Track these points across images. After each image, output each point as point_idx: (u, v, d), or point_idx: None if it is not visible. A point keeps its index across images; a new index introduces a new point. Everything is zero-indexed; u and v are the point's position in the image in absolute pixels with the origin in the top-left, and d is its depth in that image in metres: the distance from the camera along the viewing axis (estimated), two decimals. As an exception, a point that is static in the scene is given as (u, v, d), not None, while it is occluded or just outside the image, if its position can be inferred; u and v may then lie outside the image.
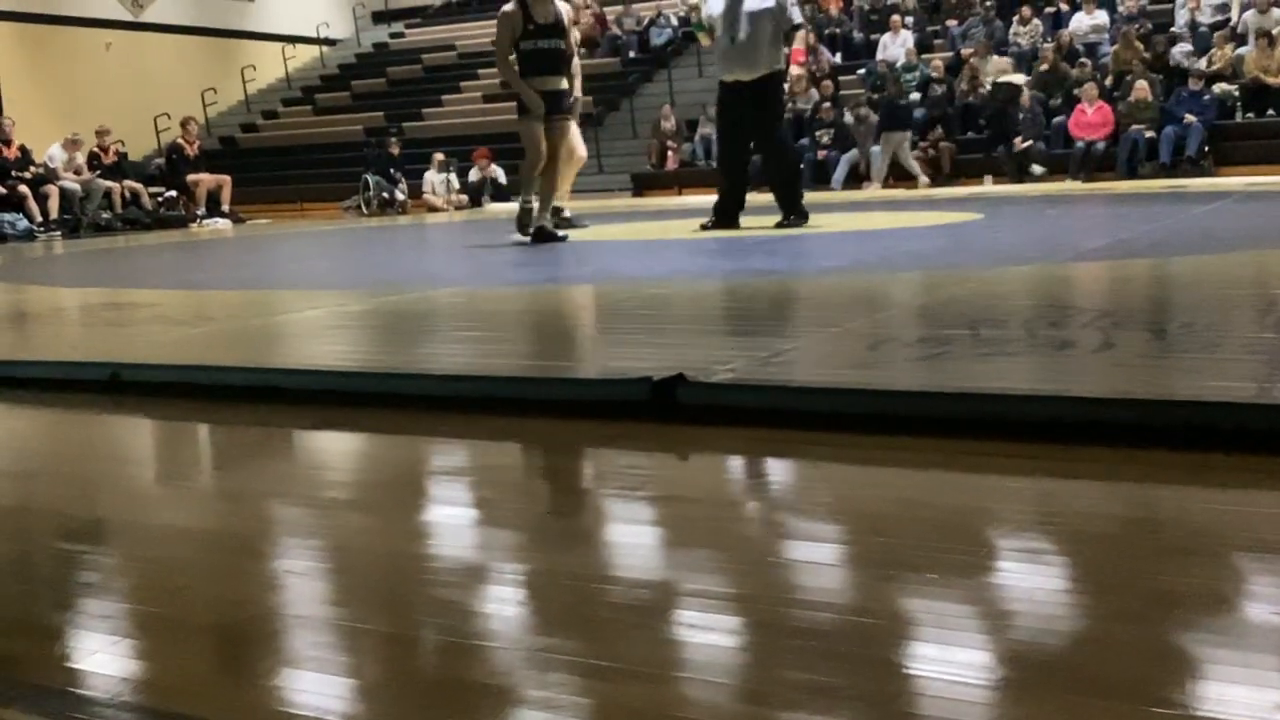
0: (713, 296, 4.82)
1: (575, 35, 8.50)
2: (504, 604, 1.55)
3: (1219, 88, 13.95)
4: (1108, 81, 14.50)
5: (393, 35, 23.52)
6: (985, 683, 1.23)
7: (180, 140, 17.10)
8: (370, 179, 16.61)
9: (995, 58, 15.54)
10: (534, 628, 1.47)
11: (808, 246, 6.87)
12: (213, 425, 2.90)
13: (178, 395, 3.06)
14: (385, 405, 2.81)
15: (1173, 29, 15.50)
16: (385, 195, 16.56)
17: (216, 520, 2.04)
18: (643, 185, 16.09)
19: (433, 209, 16.32)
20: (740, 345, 3.27)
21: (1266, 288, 4.39)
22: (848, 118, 15.28)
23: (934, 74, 15.57)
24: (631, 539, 1.85)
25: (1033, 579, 1.53)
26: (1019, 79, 14.92)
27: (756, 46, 7.87)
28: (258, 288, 6.16)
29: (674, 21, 19.16)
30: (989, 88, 14.98)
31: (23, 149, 15.29)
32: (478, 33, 21.61)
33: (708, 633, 1.40)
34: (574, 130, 8.92)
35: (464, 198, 16.50)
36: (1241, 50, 14.23)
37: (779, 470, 2.23)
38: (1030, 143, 14.15)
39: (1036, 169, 14.14)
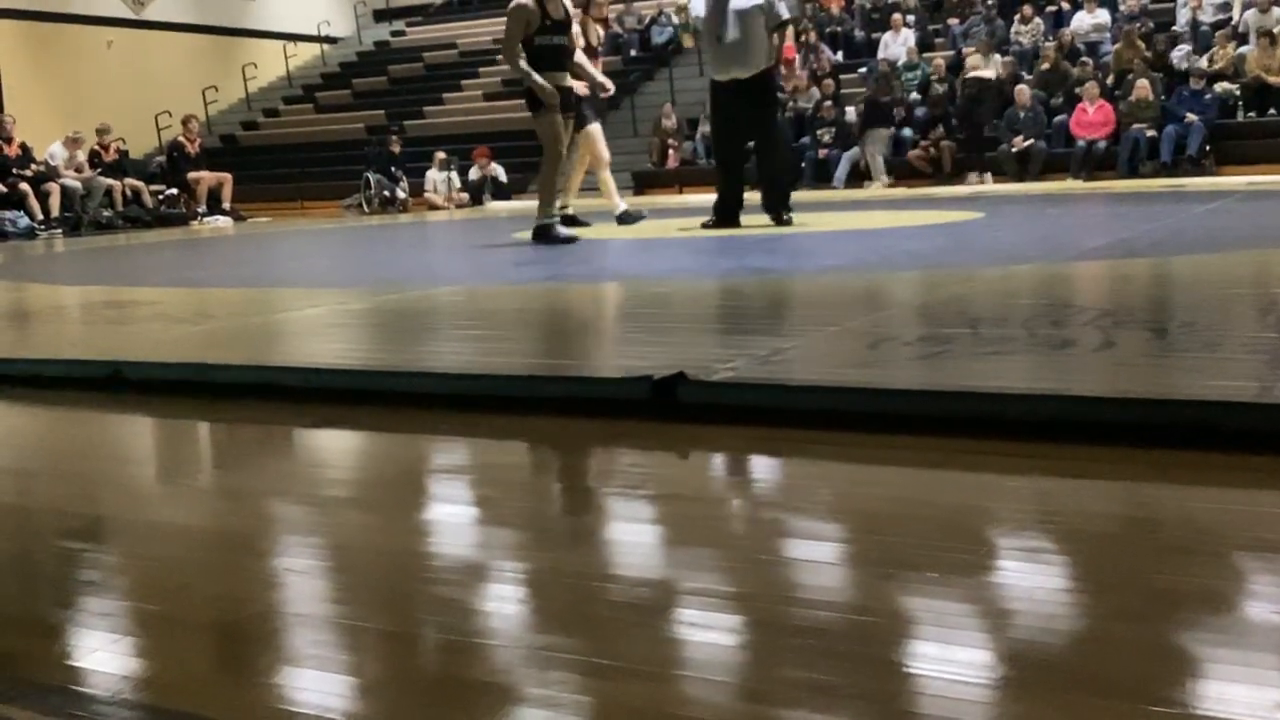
0: (713, 295, 4.82)
1: (598, 31, 8.56)
2: (504, 602, 1.55)
3: (1220, 87, 13.94)
4: (1109, 80, 14.49)
5: (394, 33, 23.51)
6: (985, 681, 1.23)
7: (181, 138, 17.10)
8: (371, 177, 16.61)
9: (967, 53, 15.59)
10: (534, 626, 1.47)
11: (808, 245, 6.87)
12: (213, 423, 2.90)
13: (179, 393, 3.06)
14: (386, 403, 2.81)
15: (1174, 28, 15.49)
16: (386, 193, 16.55)
17: (217, 518, 2.04)
18: (644, 184, 16.08)
19: (433, 207, 16.31)
20: (741, 344, 3.27)
21: (1267, 287, 4.39)
22: (850, 116, 15.29)
23: (935, 74, 15.56)
24: (632, 537, 1.85)
25: (1033, 578, 1.54)
26: (989, 74, 14.98)
27: (750, 44, 7.87)
28: (258, 286, 6.16)
29: (675, 20, 19.14)
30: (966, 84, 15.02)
31: (24, 146, 15.28)
32: (479, 31, 21.61)
33: (708, 631, 1.40)
34: (597, 131, 8.95)
35: (465, 196, 16.49)
36: (1243, 49, 14.22)
37: (779, 469, 2.23)
38: (1030, 142, 14.15)
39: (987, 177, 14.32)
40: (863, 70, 16.62)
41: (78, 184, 15.37)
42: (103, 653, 1.41)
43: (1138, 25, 15.23)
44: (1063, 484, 1.95)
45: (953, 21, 17.18)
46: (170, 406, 3.01)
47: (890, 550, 1.64)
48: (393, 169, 16.80)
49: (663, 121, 16.34)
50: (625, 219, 8.89)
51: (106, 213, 15.46)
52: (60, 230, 14.60)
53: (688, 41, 8.56)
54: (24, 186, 14.68)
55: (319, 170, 18.14)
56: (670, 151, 16.16)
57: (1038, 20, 16.43)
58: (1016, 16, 16.54)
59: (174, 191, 16.63)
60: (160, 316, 4.70)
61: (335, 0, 23.90)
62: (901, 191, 13.71)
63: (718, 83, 8.12)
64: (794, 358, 3.03)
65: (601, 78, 8.99)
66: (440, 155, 16.67)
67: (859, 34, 17.78)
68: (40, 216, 14.66)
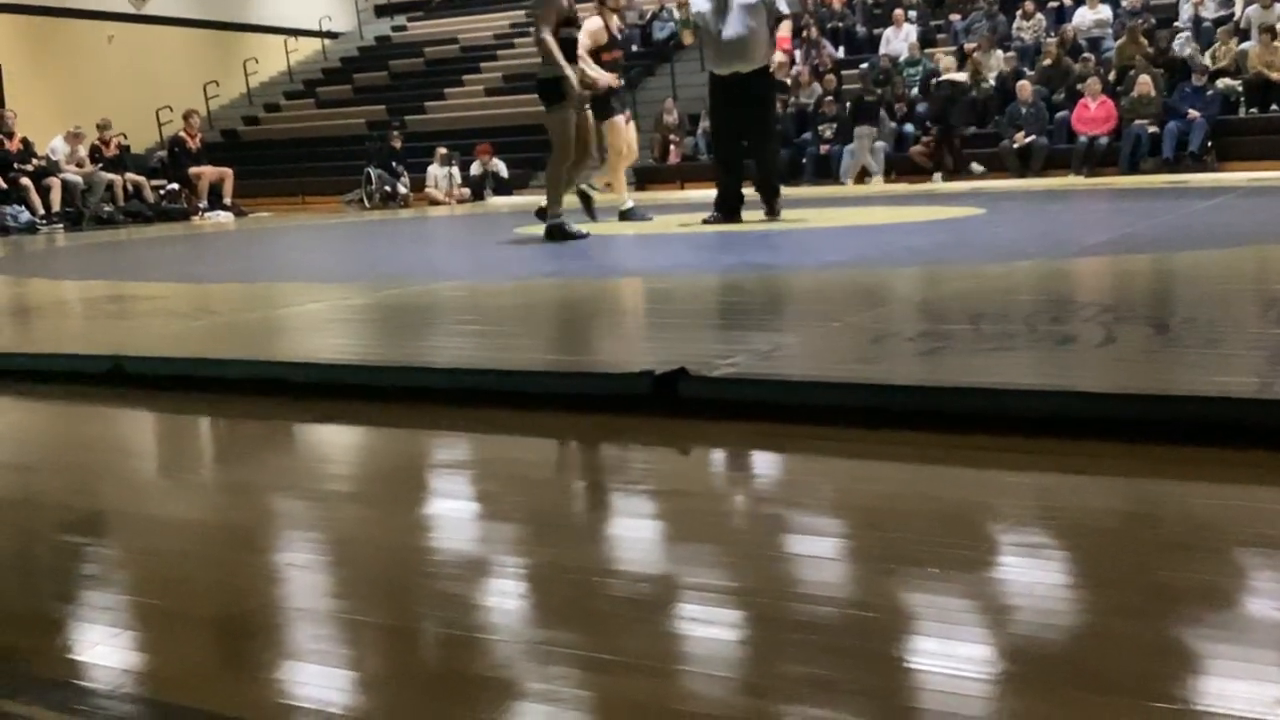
0: (715, 290, 4.82)
1: (617, 21, 8.66)
2: (505, 597, 1.56)
3: (1222, 83, 13.92)
4: (1111, 76, 14.48)
5: (395, 28, 23.50)
6: (985, 677, 1.23)
7: (182, 133, 17.09)
8: (372, 172, 16.61)
9: (941, 56, 15.61)
10: (535, 621, 1.47)
11: (809, 241, 6.87)
12: (214, 418, 2.90)
13: (179, 388, 3.06)
14: (387, 399, 2.81)
15: (1176, 24, 15.47)
16: (387, 189, 16.55)
17: (218, 513, 2.04)
18: (645, 179, 16.07)
19: (434, 202, 16.31)
20: (742, 339, 3.27)
21: (1268, 283, 4.39)
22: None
23: (939, 69, 15.56)
24: (633, 533, 1.85)
25: (1033, 574, 1.54)
26: (960, 76, 15.06)
27: (752, 38, 7.87)
28: (259, 281, 6.16)
29: (676, 16, 19.11)
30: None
31: (25, 141, 15.28)
32: (480, 26, 21.60)
33: (709, 626, 1.40)
34: (620, 123, 8.98)
35: (466, 191, 16.49)
36: (1245, 45, 14.21)
37: (780, 464, 2.23)
38: (1032, 138, 14.14)
39: (976, 167, 14.32)
40: (864, 66, 16.61)
41: (79, 179, 15.37)
42: (104, 647, 1.41)
43: (1140, 21, 15.22)
44: (1063, 479, 1.95)
45: (954, 17, 17.16)
46: (171, 401, 3.01)
47: (891, 545, 1.64)
48: (394, 164, 16.79)
49: (664, 117, 16.33)
50: (629, 215, 8.91)
51: (107, 208, 15.46)
52: (61, 225, 14.60)
53: (687, 38, 8.55)
54: (25, 181, 14.68)
55: (320, 165, 18.13)
56: (672, 147, 16.16)
57: (1040, 16, 16.42)
58: (1018, 12, 16.52)
59: (175, 186, 16.62)
60: (161, 311, 4.70)
61: (336, -5, 23.90)
62: (903, 187, 13.70)
63: (718, 77, 8.11)
64: (795, 353, 3.03)
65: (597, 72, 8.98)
66: (441, 150, 16.66)
67: (861, 29, 17.76)
68: (41, 211, 14.66)
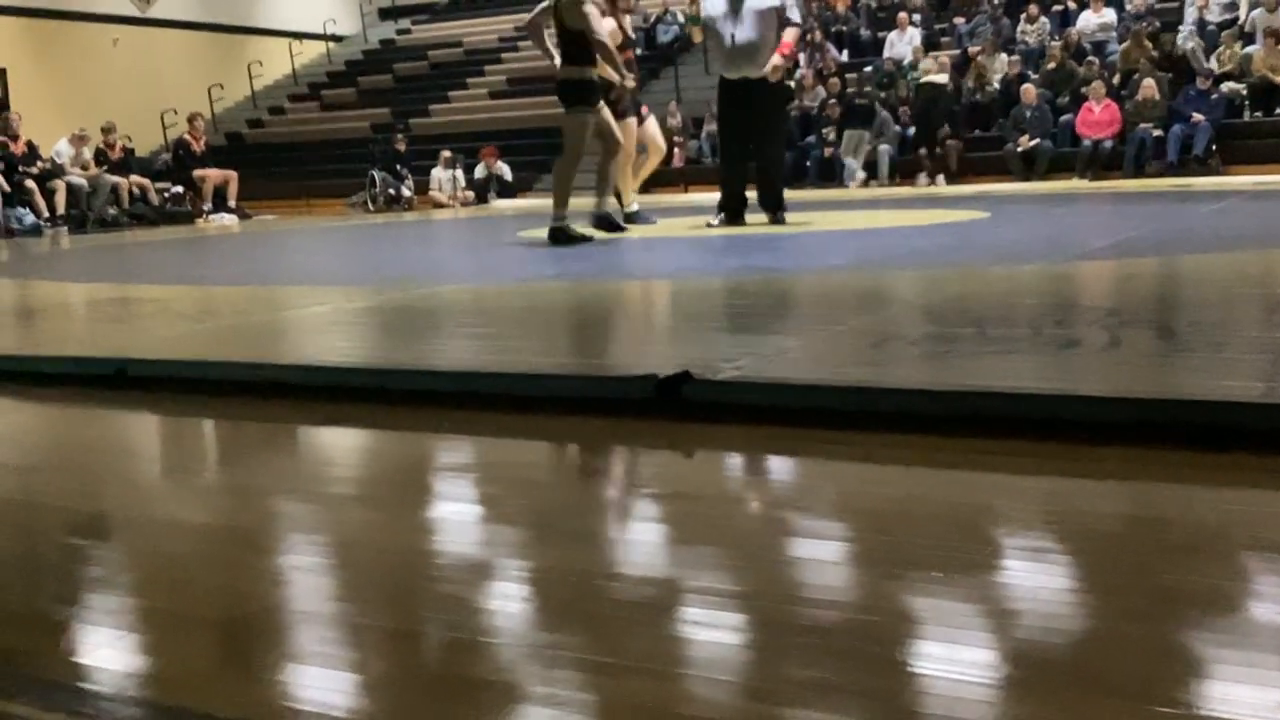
0: (718, 294, 4.81)
1: (630, 21, 8.71)
2: (508, 600, 1.55)
3: (1227, 86, 13.91)
4: (1115, 80, 14.47)
5: (399, 31, 23.53)
6: (989, 681, 1.23)
7: (187, 136, 17.12)
8: (376, 175, 16.62)
9: (924, 60, 15.62)
10: (538, 624, 1.47)
11: (813, 244, 6.86)
12: (218, 420, 2.90)
13: (184, 390, 3.07)
14: (391, 401, 2.81)
15: (1180, 27, 15.46)
16: (391, 191, 16.57)
17: (222, 515, 2.04)
18: (649, 182, 16.03)
19: (439, 205, 16.33)
20: (746, 342, 3.27)
21: (1274, 287, 4.38)
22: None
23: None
24: (636, 536, 1.85)
25: (1037, 577, 1.53)
26: (941, 79, 15.08)
27: (764, 44, 7.88)
28: (264, 283, 6.17)
29: (680, 18, 19.14)
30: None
31: (30, 144, 15.31)
32: (485, 29, 21.62)
33: (712, 629, 1.40)
34: (632, 126, 9.01)
35: (470, 194, 16.51)
36: (1249, 49, 14.20)
37: (784, 467, 2.23)
38: (1036, 141, 14.14)
39: (922, 179, 14.47)
40: (868, 69, 16.62)
41: (84, 181, 15.40)
42: (107, 649, 1.41)
43: (1144, 24, 15.21)
44: (1068, 483, 1.94)
45: (959, 21, 17.16)
46: (175, 404, 3.01)
47: (895, 549, 1.64)
48: (398, 167, 16.82)
49: (668, 120, 16.33)
50: (633, 219, 8.92)
51: (112, 210, 15.50)
52: (66, 227, 14.63)
53: (696, 36, 8.56)
54: (30, 184, 14.70)
55: (324, 168, 18.16)
56: (676, 150, 16.16)
57: (1044, 19, 16.42)
58: (1023, 15, 16.52)
59: (180, 189, 16.66)
60: (166, 314, 4.71)
61: (341, -2, 23.94)
62: (906, 190, 13.71)
63: (728, 80, 8.11)
64: (799, 356, 3.03)
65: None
66: (446, 154, 16.68)
67: (865, 33, 17.77)
68: (46, 214, 14.69)
